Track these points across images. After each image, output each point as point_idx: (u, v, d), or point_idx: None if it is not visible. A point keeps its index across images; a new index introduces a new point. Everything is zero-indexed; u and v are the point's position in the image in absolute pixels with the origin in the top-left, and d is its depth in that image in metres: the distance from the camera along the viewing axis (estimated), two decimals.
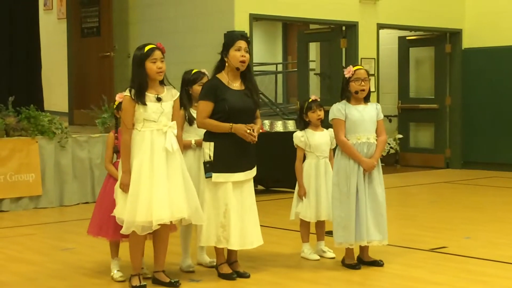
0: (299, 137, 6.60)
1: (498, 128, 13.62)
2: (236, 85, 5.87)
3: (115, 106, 5.94)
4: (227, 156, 5.75)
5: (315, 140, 6.54)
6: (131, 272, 5.63)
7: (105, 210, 5.73)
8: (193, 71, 6.31)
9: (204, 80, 6.16)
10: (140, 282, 5.57)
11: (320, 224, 6.63)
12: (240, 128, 5.72)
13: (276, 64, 20.70)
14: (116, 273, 5.86)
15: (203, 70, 6.31)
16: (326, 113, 6.36)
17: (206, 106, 5.77)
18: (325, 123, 6.55)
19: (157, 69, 5.50)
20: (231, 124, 5.73)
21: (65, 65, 13.74)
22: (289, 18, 12.51)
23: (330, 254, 6.56)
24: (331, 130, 6.49)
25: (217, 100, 5.76)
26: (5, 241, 7.61)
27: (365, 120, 6.15)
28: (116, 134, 5.91)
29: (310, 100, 6.61)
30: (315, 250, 6.62)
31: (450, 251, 6.84)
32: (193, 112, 6.11)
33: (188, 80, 6.27)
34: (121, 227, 5.51)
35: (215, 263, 6.05)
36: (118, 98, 5.80)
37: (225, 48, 5.84)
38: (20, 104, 9.86)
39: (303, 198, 6.53)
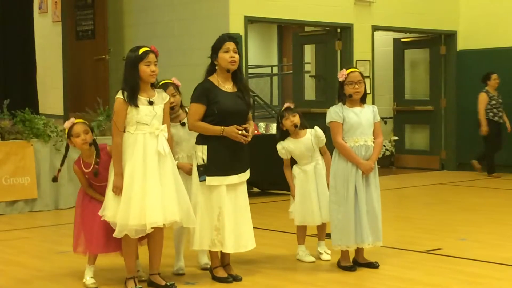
0: (279, 150, 6.56)
1: None
2: (228, 87, 5.87)
3: (66, 133, 5.77)
4: (221, 159, 5.75)
5: (295, 149, 6.49)
6: (126, 275, 5.63)
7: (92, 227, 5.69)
8: (161, 82, 6.11)
9: (168, 91, 6.00)
10: (136, 285, 5.57)
11: (321, 225, 6.61)
12: (231, 131, 5.72)
13: (271, 66, 20.73)
14: (88, 280, 5.78)
15: (172, 80, 6.21)
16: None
17: (198, 109, 5.77)
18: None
19: (150, 72, 5.49)
20: (222, 128, 5.72)
21: (60, 68, 13.69)
22: (284, 21, 12.53)
23: (325, 256, 6.56)
24: (313, 130, 6.47)
25: (210, 103, 5.76)
26: (0, 245, 7.60)
27: (362, 122, 6.15)
28: (78, 165, 5.75)
29: (283, 109, 6.58)
30: (316, 249, 6.62)
31: (446, 253, 6.85)
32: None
33: None
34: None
35: (209, 266, 6.05)
36: (68, 124, 5.71)
37: (214, 52, 5.85)
38: (15, 107, 9.85)
39: (294, 198, 6.55)
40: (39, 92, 12.26)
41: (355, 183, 6.11)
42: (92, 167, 5.68)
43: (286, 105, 6.59)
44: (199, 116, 5.77)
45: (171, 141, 5.74)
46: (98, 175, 5.67)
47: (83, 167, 5.72)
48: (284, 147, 6.53)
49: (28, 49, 11.92)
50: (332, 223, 6.20)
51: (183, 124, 6.13)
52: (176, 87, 6.20)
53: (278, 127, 6.60)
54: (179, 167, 5.91)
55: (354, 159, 6.10)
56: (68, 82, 13.44)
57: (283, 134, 6.54)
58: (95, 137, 5.82)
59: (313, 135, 6.48)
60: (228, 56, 5.79)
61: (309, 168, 6.52)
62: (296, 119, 6.46)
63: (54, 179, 5.95)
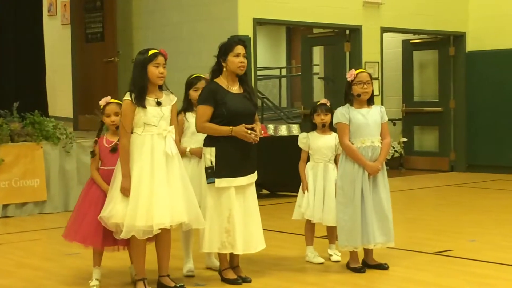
0: (301, 138, 6.65)
1: (503, 131, 13.61)
2: (235, 88, 5.88)
3: (101, 111, 5.94)
4: (229, 160, 5.75)
5: (316, 144, 6.55)
6: (135, 277, 5.64)
7: (85, 216, 5.74)
8: (192, 76, 6.30)
9: (199, 85, 6.14)
10: (145, 287, 5.57)
11: (330, 227, 6.61)
12: (240, 130, 5.72)
13: (280, 68, 20.73)
14: (94, 282, 5.79)
15: (206, 75, 6.28)
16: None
17: (206, 110, 5.77)
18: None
19: (159, 73, 5.51)
20: (231, 128, 5.73)
21: (69, 70, 13.76)
22: (292, 22, 12.52)
23: (335, 257, 6.56)
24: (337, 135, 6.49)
25: (217, 104, 5.76)
26: (10, 247, 7.63)
27: (369, 123, 6.15)
28: (100, 140, 5.90)
29: (319, 103, 6.63)
30: (326, 252, 6.62)
31: (455, 254, 6.84)
32: (192, 116, 6.11)
33: (186, 84, 6.28)
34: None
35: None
36: (103, 102, 5.88)
37: (223, 53, 5.85)
38: (24, 110, 9.89)
39: (305, 192, 6.55)
40: (48, 94, 12.31)
41: (362, 184, 6.11)
42: (113, 143, 5.78)
43: (323, 100, 6.66)
44: (207, 118, 5.77)
45: (178, 142, 5.75)
46: (115, 151, 5.71)
47: (104, 142, 5.82)
48: (306, 137, 6.57)
49: (37, 52, 11.97)
50: (339, 224, 6.20)
51: None
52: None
53: (310, 120, 6.69)
54: (192, 153, 6.06)
55: (361, 161, 6.10)
56: (77, 84, 13.49)
57: (313, 127, 6.62)
58: None
59: (337, 140, 6.48)
60: (238, 60, 5.81)
61: (320, 166, 6.53)
62: (327, 118, 6.53)
63: (93, 153, 5.93)
